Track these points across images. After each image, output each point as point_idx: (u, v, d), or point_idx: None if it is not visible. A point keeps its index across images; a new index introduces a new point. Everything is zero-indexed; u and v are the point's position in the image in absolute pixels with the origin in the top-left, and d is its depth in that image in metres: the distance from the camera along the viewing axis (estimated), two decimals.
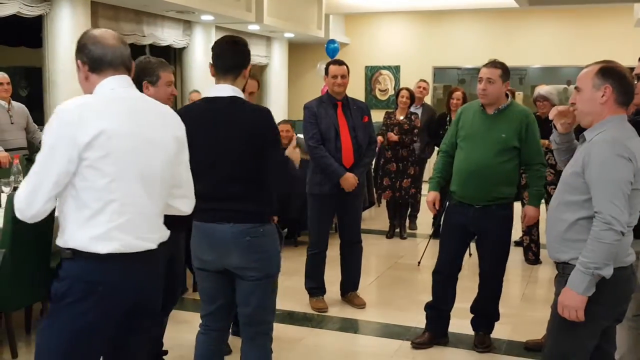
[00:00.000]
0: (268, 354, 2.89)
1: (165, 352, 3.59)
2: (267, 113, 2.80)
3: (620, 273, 2.43)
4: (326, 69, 4.70)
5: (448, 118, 6.80)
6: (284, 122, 6.67)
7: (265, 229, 2.76)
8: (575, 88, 2.56)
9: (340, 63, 4.68)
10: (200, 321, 2.95)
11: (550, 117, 2.75)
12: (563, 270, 2.52)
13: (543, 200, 4.05)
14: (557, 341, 2.55)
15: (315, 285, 4.84)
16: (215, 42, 2.85)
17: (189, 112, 2.80)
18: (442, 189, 4.06)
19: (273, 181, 2.78)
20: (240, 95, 2.79)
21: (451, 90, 7.07)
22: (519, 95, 11.26)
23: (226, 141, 2.72)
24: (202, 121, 2.75)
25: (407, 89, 7.06)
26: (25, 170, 5.21)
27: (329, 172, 4.54)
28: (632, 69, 3.00)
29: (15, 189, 4.13)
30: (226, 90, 2.77)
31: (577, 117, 2.59)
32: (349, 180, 4.55)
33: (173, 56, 10.05)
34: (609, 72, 2.45)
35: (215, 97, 2.79)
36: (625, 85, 2.45)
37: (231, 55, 2.79)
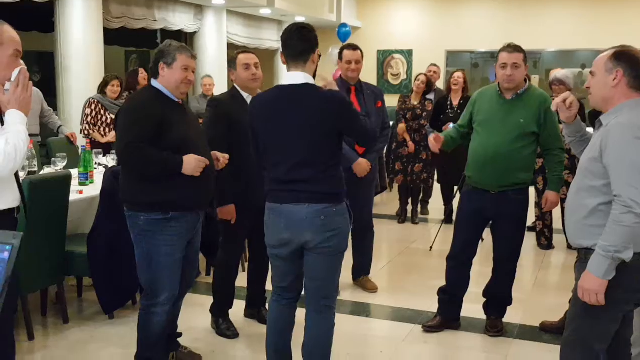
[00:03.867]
0: (332, 326, 3.07)
1: (180, 335, 3.63)
2: (340, 99, 2.95)
3: None
4: (340, 54, 4.65)
5: (448, 101, 6.73)
6: None
7: (337, 208, 2.94)
8: (590, 72, 2.56)
9: (355, 48, 4.63)
10: (273, 290, 3.17)
11: (553, 108, 2.75)
12: (585, 256, 2.50)
13: None
14: (579, 326, 2.53)
15: None
16: (284, 31, 3.00)
17: (262, 99, 3.03)
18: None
19: (365, 144, 3.20)
20: (312, 81, 2.93)
21: (452, 72, 7.02)
22: (534, 79, 11.18)
23: (299, 126, 2.87)
24: (275, 108, 2.93)
25: (425, 75, 7.04)
26: (38, 156, 5.26)
27: (342, 157, 4.51)
28: None
29: (29, 173, 4.18)
30: (298, 77, 2.91)
31: (590, 101, 2.59)
32: (362, 165, 4.54)
33: (184, 41, 10.05)
34: (622, 56, 2.46)
35: (288, 85, 2.93)
36: (637, 69, 2.44)
37: (298, 42, 2.92)
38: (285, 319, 3.15)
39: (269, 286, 4.30)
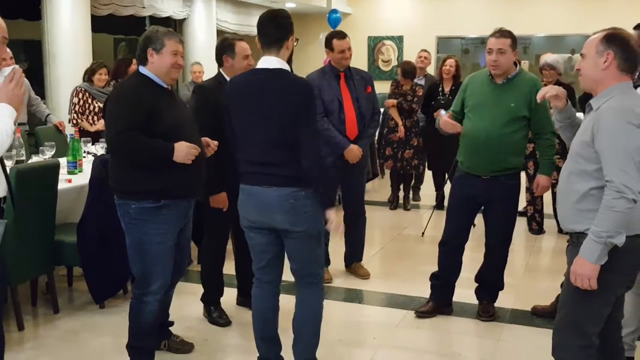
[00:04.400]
0: (320, 300, 3.13)
1: (172, 323, 3.62)
2: (308, 87, 2.97)
3: (636, 241, 2.43)
4: (329, 43, 4.57)
5: (440, 88, 6.73)
6: None
7: (307, 192, 2.92)
8: (581, 54, 2.56)
9: (344, 36, 4.59)
10: (254, 276, 3.19)
11: (538, 98, 2.76)
12: (577, 240, 2.50)
13: None
14: (572, 310, 2.54)
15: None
16: (259, 17, 3.04)
17: (237, 81, 3.10)
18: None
19: (302, 153, 2.89)
20: (285, 67, 2.96)
21: (444, 58, 6.99)
22: (525, 64, 11.17)
23: (269, 110, 2.90)
24: (248, 91, 2.97)
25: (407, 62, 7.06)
26: (26, 144, 5.21)
27: (333, 144, 4.49)
28: None
29: (17, 162, 4.14)
30: (272, 62, 2.95)
31: (581, 82, 2.58)
32: (354, 152, 4.53)
33: (173, 28, 9.94)
34: (613, 38, 2.45)
35: (261, 69, 2.98)
36: (628, 52, 2.44)
37: (271, 29, 2.96)
38: (268, 305, 3.17)
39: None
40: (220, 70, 3.82)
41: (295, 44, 3.09)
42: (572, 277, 2.46)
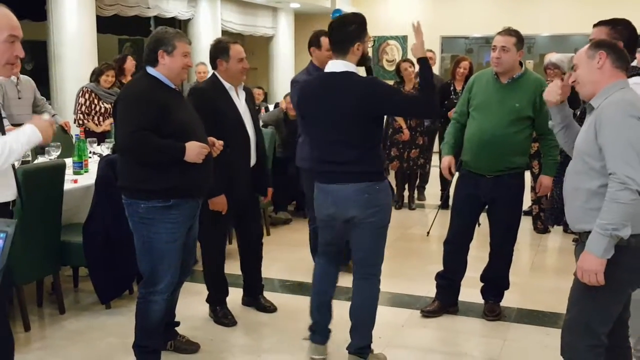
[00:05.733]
0: (376, 291, 3.34)
1: (178, 323, 3.63)
2: (373, 79, 3.26)
3: None
4: (317, 41, 4.54)
5: (452, 87, 6.74)
6: (258, 87, 8.23)
7: (380, 186, 3.18)
8: (573, 68, 2.60)
9: None
10: (318, 252, 3.49)
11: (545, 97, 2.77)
12: (587, 240, 2.49)
13: None
14: (582, 309, 2.52)
15: None
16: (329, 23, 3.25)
17: (307, 85, 3.36)
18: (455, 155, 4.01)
19: (417, 115, 3.31)
20: (352, 69, 3.12)
21: (458, 59, 7.01)
22: (529, 64, 11.16)
23: (338, 111, 3.09)
24: (316, 93, 3.21)
25: (407, 60, 7.07)
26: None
27: None
28: None
29: (23, 163, 4.14)
30: (338, 65, 3.13)
31: (580, 92, 2.60)
32: None
33: (178, 28, 9.97)
34: (599, 42, 2.56)
35: (328, 73, 3.18)
36: (618, 51, 2.51)
37: (337, 35, 3.16)
38: (329, 277, 3.43)
39: (265, 274, 4.33)
40: (215, 72, 3.79)
41: (371, 44, 3.21)
42: (578, 273, 2.45)
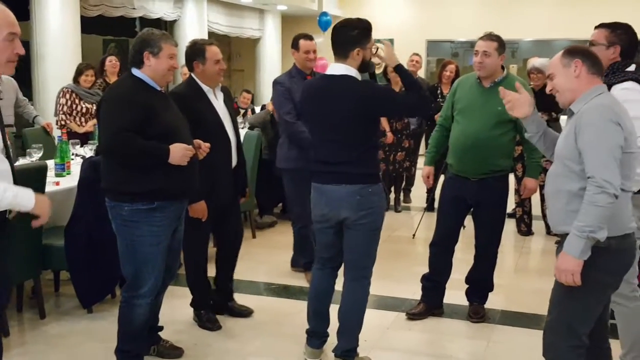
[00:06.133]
0: (366, 293, 3.37)
1: (161, 328, 3.59)
2: (370, 82, 3.28)
3: (626, 240, 2.47)
4: (296, 43, 4.59)
5: (439, 91, 6.77)
6: (246, 91, 8.41)
7: (373, 188, 3.20)
8: (549, 77, 2.62)
9: (311, 38, 4.63)
10: (315, 259, 3.51)
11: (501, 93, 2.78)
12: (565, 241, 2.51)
13: None
14: (563, 310, 2.55)
15: (308, 259, 4.83)
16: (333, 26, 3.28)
17: (308, 87, 3.38)
18: (437, 162, 4.06)
19: (415, 114, 3.34)
20: (352, 73, 3.15)
21: (444, 62, 7.05)
22: (512, 69, 11.22)
23: (336, 113, 3.13)
24: (316, 95, 3.24)
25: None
26: (14, 147, 5.15)
27: (306, 147, 4.48)
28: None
29: None
30: (339, 68, 3.16)
31: (559, 100, 2.62)
32: None
33: (164, 29, 9.91)
34: (572, 50, 2.57)
35: (328, 75, 3.22)
36: (592, 57, 2.55)
37: (337, 37, 3.18)
38: (326, 285, 3.46)
39: (250, 277, 4.30)
40: (192, 75, 3.72)
41: (375, 51, 3.23)
42: (556, 273, 2.48)
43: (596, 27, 3.14)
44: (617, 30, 3.06)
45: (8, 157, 2.40)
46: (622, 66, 3.05)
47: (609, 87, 2.86)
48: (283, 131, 4.65)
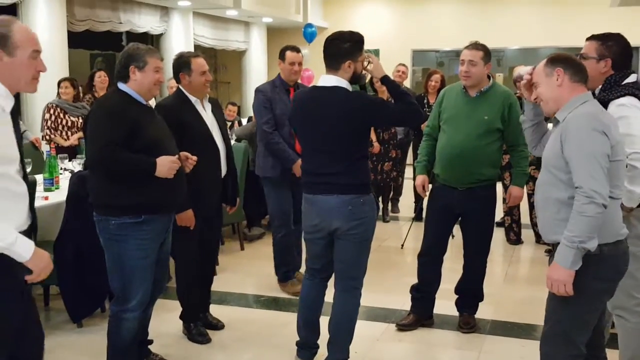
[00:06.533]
0: (357, 304, 3.37)
1: (151, 342, 3.58)
2: (361, 94, 3.32)
3: (618, 247, 2.48)
4: (282, 54, 4.62)
5: (425, 100, 6.81)
6: (231, 103, 8.53)
7: (364, 198, 3.22)
8: (533, 85, 2.65)
9: (298, 50, 4.66)
10: (306, 269, 3.52)
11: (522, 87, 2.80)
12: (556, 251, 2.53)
13: None
14: (560, 319, 2.55)
15: (288, 269, 4.82)
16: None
17: (299, 98, 3.39)
18: (427, 172, 4.08)
19: (406, 123, 3.43)
20: (343, 85, 3.17)
21: (430, 72, 7.10)
22: (499, 77, 11.31)
23: (327, 124, 3.15)
24: (307, 106, 3.26)
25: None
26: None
27: (283, 158, 4.53)
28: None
29: None
30: (330, 80, 3.18)
31: (544, 108, 2.64)
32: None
33: (150, 43, 9.93)
34: (555, 58, 2.57)
35: (319, 87, 3.24)
36: (574, 65, 2.55)
37: (329, 50, 3.20)
38: (316, 295, 3.47)
39: (239, 289, 4.28)
40: (180, 87, 3.77)
41: (366, 64, 3.25)
42: (547, 283, 2.49)
43: (587, 39, 3.07)
44: (608, 42, 2.98)
45: (25, 177, 2.38)
46: (619, 79, 2.96)
47: (606, 103, 2.85)
48: (261, 139, 4.67)
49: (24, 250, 2.26)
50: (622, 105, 2.85)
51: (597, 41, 3.01)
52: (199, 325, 3.95)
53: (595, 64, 2.96)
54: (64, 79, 6.35)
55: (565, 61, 2.55)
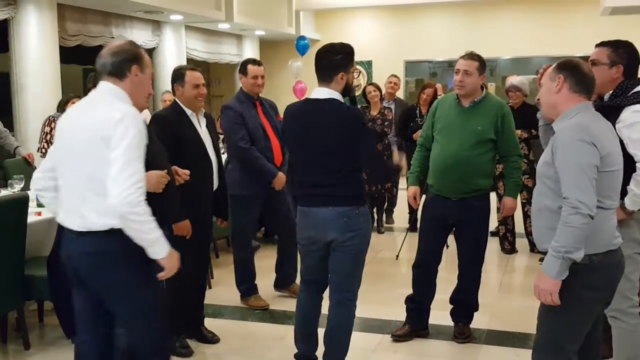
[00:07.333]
0: (352, 316, 3.36)
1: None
2: (357, 115, 3.25)
3: (609, 257, 2.49)
4: (244, 68, 4.63)
5: (417, 110, 6.84)
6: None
7: (360, 210, 3.23)
8: (540, 84, 2.69)
9: (259, 63, 4.68)
10: (301, 281, 3.53)
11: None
12: (543, 261, 2.54)
13: None
14: (550, 328, 2.56)
15: (248, 285, 4.79)
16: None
17: (292, 110, 3.35)
18: (420, 183, 4.09)
19: (364, 162, 3.39)
20: (336, 97, 3.19)
21: (424, 85, 7.13)
22: (491, 87, 11.37)
23: (321, 136, 3.17)
24: (301, 119, 3.26)
25: (372, 84, 7.11)
26: None
27: (264, 172, 4.51)
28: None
29: None
30: (323, 92, 3.20)
31: (542, 111, 2.66)
32: (282, 179, 4.58)
33: None
34: (563, 64, 2.57)
35: (312, 99, 3.24)
36: (578, 75, 2.53)
37: (321, 62, 3.22)
38: (312, 307, 3.47)
39: (235, 302, 4.25)
40: (176, 99, 3.86)
41: (357, 75, 3.29)
42: (535, 292, 2.50)
43: (597, 45, 3.08)
44: (619, 49, 3.00)
45: None
46: (631, 86, 2.98)
47: (620, 109, 2.88)
48: (234, 157, 4.65)
49: (161, 249, 2.55)
50: (638, 112, 2.90)
51: (609, 48, 3.03)
52: (182, 338, 3.91)
53: (606, 70, 2.99)
54: (77, 97, 6.26)
55: (572, 69, 2.53)
